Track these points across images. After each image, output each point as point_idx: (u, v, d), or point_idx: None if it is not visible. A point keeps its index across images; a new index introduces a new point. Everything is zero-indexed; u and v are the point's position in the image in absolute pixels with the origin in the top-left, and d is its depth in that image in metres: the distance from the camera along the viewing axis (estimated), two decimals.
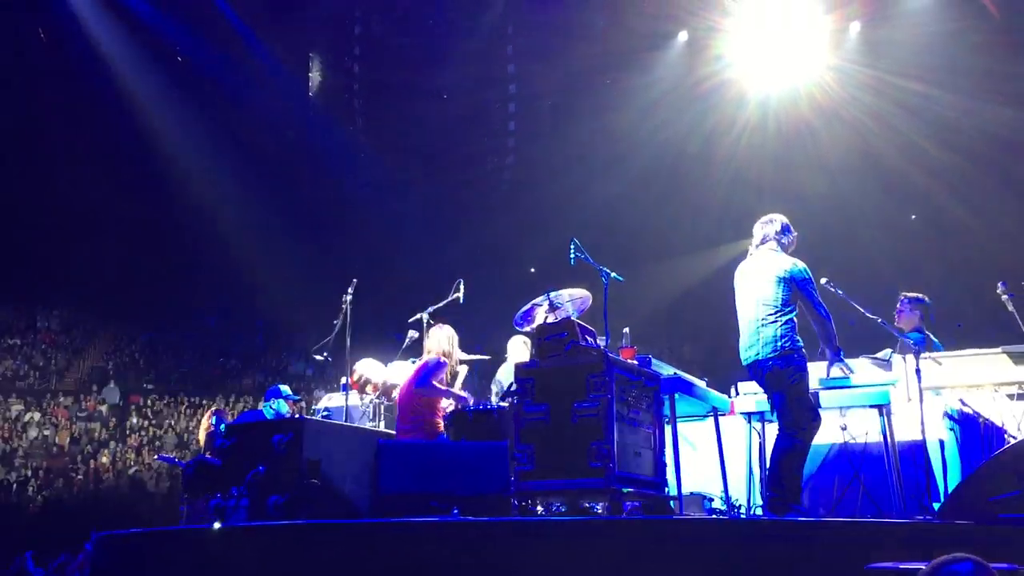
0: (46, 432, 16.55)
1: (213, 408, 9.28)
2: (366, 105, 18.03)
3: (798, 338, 6.03)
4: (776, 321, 5.96)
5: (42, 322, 18.69)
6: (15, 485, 15.13)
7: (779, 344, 5.93)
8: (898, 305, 7.88)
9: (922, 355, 6.79)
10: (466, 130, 18.26)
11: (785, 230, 6.30)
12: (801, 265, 6.09)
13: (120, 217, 16.09)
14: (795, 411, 5.92)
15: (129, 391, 17.98)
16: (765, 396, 6.19)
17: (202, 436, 8.46)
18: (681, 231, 16.34)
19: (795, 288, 5.99)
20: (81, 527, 10.43)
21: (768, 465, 6.02)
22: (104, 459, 16.23)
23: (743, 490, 6.80)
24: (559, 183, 17.31)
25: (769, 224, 6.29)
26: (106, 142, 15.88)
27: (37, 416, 16.80)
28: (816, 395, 6.29)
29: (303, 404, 10.26)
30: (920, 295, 7.88)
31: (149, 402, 17.88)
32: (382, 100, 17.93)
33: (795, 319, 6.02)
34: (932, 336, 7.64)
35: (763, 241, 6.26)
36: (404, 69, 17.28)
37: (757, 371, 6.03)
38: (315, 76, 17.75)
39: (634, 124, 16.45)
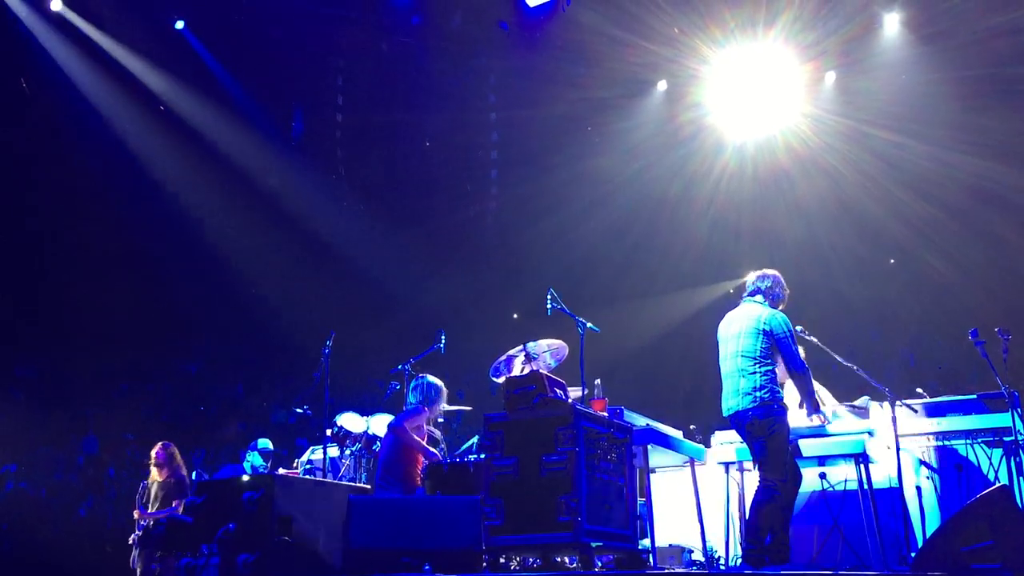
0: (22, 484, 16.32)
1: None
2: (348, 153, 18.15)
3: (778, 388, 6.08)
4: (755, 372, 6.01)
5: (20, 370, 18.53)
6: None
7: (758, 395, 5.97)
8: None
9: (898, 403, 6.84)
10: (448, 177, 18.39)
11: (776, 286, 6.39)
12: (780, 318, 6.16)
13: (100, 263, 16.04)
14: (774, 462, 5.93)
15: (108, 441, 17.78)
16: (744, 444, 6.21)
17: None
18: (661, 273, 16.42)
19: (773, 340, 6.05)
20: None
21: (747, 517, 6.02)
22: (81, 512, 16.00)
23: (722, 541, 6.78)
24: (541, 227, 17.42)
25: (762, 280, 6.39)
26: (86, 186, 15.88)
27: (12, 468, 16.58)
28: (796, 445, 6.31)
29: (279, 456, 10.20)
30: None
31: (128, 452, 17.68)
32: (364, 147, 18.06)
33: (775, 371, 6.08)
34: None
35: (751, 293, 6.35)
36: (386, 117, 17.43)
37: (738, 422, 6.08)
38: (296, 124, 17.88)
39: (615, 168, 16.62)
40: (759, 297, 6.36)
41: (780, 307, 6.41)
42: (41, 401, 17.60)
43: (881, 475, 6.68)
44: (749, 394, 6.01)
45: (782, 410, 6.02)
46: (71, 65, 14.42)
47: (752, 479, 6.33)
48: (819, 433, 6.41)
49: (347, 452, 8.11)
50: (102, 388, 17.88)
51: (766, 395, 5.99)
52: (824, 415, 6.46)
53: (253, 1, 14.92)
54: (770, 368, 6.05)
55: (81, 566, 13.26)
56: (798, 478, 6.18)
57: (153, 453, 9.05)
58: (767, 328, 6.09)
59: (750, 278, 6.48)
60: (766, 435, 5.95)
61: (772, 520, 5.79)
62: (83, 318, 16.39)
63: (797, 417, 6.43)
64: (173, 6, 14.89)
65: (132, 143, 15.47)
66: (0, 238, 15.03)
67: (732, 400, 6.10)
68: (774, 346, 6.09)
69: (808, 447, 6.34)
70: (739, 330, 6.19)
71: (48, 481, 16.58)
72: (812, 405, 6.31)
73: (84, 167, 15.54)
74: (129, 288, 16.38)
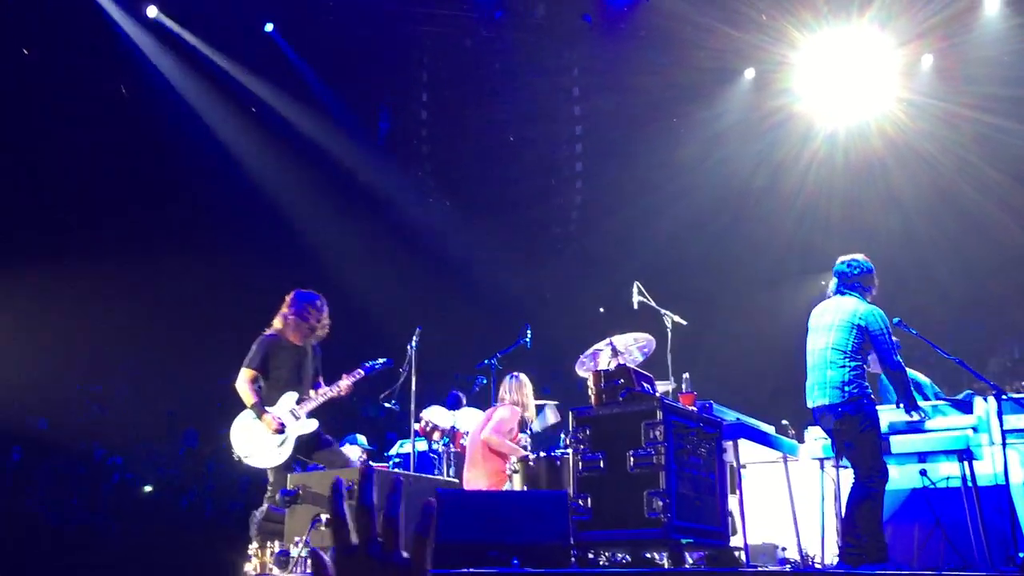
0: (128, 476, 16.95)
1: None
2: (433, 149, 18.30)
3: (866, 384, 5.91)
4: (845, 366, 5.87)
5: (124, 366, 19.23)
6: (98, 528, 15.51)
7: (847, 390, 5.83)
8: None
9: (1004, 396, 6.56)
10: (533, 170, 18.38)
11: (867, 274, 6.19)
12: (878, 313, 5.98)
13: (197, 260, 16.48)
14: (868, 459, 5.77)
15: (207, 436, 18.32)
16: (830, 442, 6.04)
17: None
18: (746, 266, 16.06)
19: (867, 336, 5.89)
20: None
21: (843, 514, 5.86)
22: (181, 504, 16.54)
23: (817, 539, 6.61)
24: (625, 219, 17.26)
25: (855, 269, 6.20)
26: (186, 187, 16.37)
27: (119, 461, 17.24)
28: (887, 441, 6.11)
29: (370, 451, 10.37)
30: None
31: (225, 446, 18.18)
32: (449, 143, 18.18)
33: (864, 367, 5.91)
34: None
35: (842, 283, 6.18)
36: (471, 112, 17.52)
37: (824, 417, 5.93)
38: (384, 122, 18.12)
39: (700, 157, 16.34)
40: (855, 291, 6.18)
41: (871, 296, 6.23)
42: (144, 395, 18.22)
43: (986, 472, 6.41)
44: (838, 388, 5.88)
45: (872, 404, 5.87)
46: (169, 69, 14.89)
47: (848, 475, 6.15)
48: (917, 428, 6.20)
49: (436, 447, 8.18)
50: (198, 383, 18.41)
51: (855, 390, 5.85)
52: (924, 411, 6.24)
53: (339, 2, 15.15)
54: (859, 363, 5.91)
55: (182, 557, 13.69)
56: (887, 470, 5.99)
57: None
58: (862, 323, 5.92)
59: (844, 267, 6.28)
60: (858, 431, 5.80)
61: (870, 518, 5.61)
62: (182, 315, 16.91)
63: (895, 413, 6.23)
64: (263, 9, 15.22)
65: (228, 145, 15.89)
66: (103, 234, 15.60)
67: (818, 392, 5.97)
68: (868, 342, 5.92)
69: (909, 443, 6.14)
70: (831, 322, 6.03)
71: (152, 474, 17.17)
72: (910, 402, 6.10)
73: (183, 171, 16.03)
74: (224, 283, 16.82)
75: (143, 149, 15.43)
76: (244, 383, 6.97)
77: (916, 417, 6.16)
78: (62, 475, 16.00)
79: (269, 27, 15.39)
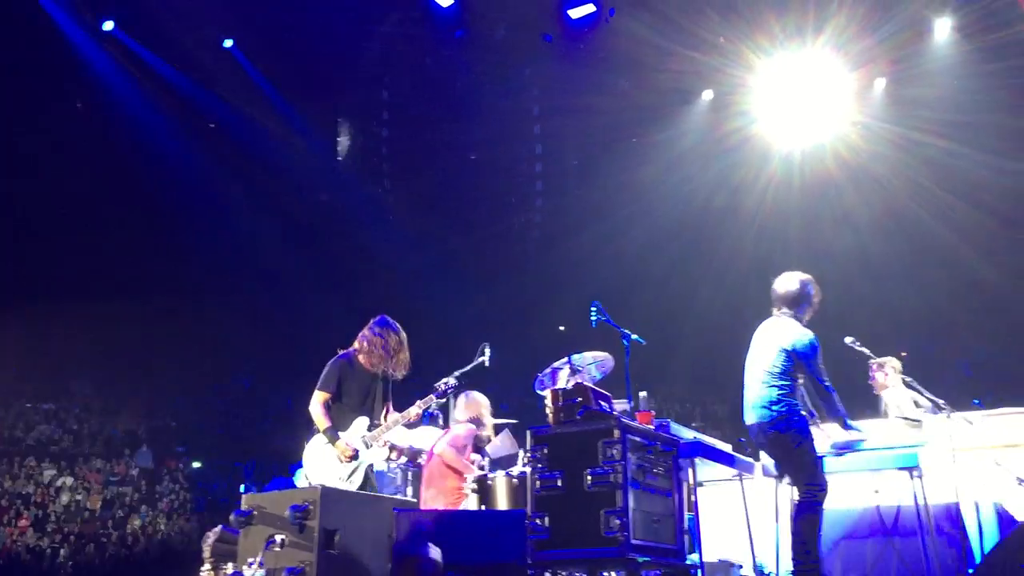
0: (78, 497, 16.62)
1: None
2: (394, 166, 18.30)
3: (796, 402, 5.98)
4: (773, 386, 5.95)
5: (76, 386, 18.90)
6: (47, 551, 15.17)
7: (775, 409, 5.92)
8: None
9: (953, 414, 6.67)
10: (493, 189, 18.46)
11: (804, 292, 6.24)
12: (808, 338, 6.05)
13: (152, 279, 16.31)
14: (805, 475, 5.84)
15: (162, 455, 18.05)
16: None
17: None
18: (706, 285, 16.24)
19: (797, 360, 5.97)
20: None
21: (792, 530, 5.90)
22: (135, 524, 16.24)
23: (772, 556, 6.64)
24: (585, 238, 17.37)
25: (790, 290, 6.25)
26: (141, 204, 16.18)
27: (69, 481, 16.90)
28: (838, 457, 6.17)
29: None
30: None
31: (181, 466, 17.93)
32: (409, 161, 18.18)
33: (795, 387, 5.99)
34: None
35: (779, 304, 6.24)
36: (431, 130, 17.55)
37: (757, 435, 6.00)
38: (344, 139, 18.08)
39: (659, 178, 16.52)
40: (786, 310, 6.26)
41: (811, 313, 6.30)
42: (96, 415, 17.92)
43: (938, 490, 6.50)
44: (766, 407, 5.96)
45: (802, 420, 5.95)
46: (123, 85, 14.72)
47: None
48: (856, 448, 6.25)
49: (394, 465, 8.11)
50: (155, 402, 18.17)
51: (783, 408, 5.93)
52: (858, 430, 6.32)
53: (300, 19, 15.10)
54: (789, 383, 5.98)
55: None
56: (825, 485, 6.06)
57: None
58: (790, 348, 6.01)
59: (779, 287, 6.36)
60: (791, 447, 5.87)
61: (809, 532, 5.68)
62: (135, 335, 16.68)
63: (837, 433, 6.29)
64: (222, 25, 15.11)
65: (183, 161, 15.73)
66: (54, 257, 15.37)
67: (750, 412, 6.05)
68: (799, 364, 6.01)
69: (860, 460, 6.19)
70: (766, 343, 6.12)
71: (103, 493, 16.86)
72: (844, 422, 6.18)
73: (137, 186, 15.85)
74: (182, 305, 16.65)
75: (100, 165, 15.26)
76: (318, 406, 6.65)
77: (855, 436, 6.23)
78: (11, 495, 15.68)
79: (228, 43, 15.29)
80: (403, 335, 6.84)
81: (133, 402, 18.60)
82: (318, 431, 6.56)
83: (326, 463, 6.46)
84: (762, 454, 7.02)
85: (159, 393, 18.61)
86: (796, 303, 6.20)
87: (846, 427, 6.14)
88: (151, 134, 15.26)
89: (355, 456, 6.46)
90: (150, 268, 16.48)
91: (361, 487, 6.44)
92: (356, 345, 6.78)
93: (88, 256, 16.05)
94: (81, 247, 15.98)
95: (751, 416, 6.01)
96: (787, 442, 5.83)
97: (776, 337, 6.08)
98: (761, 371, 6.02)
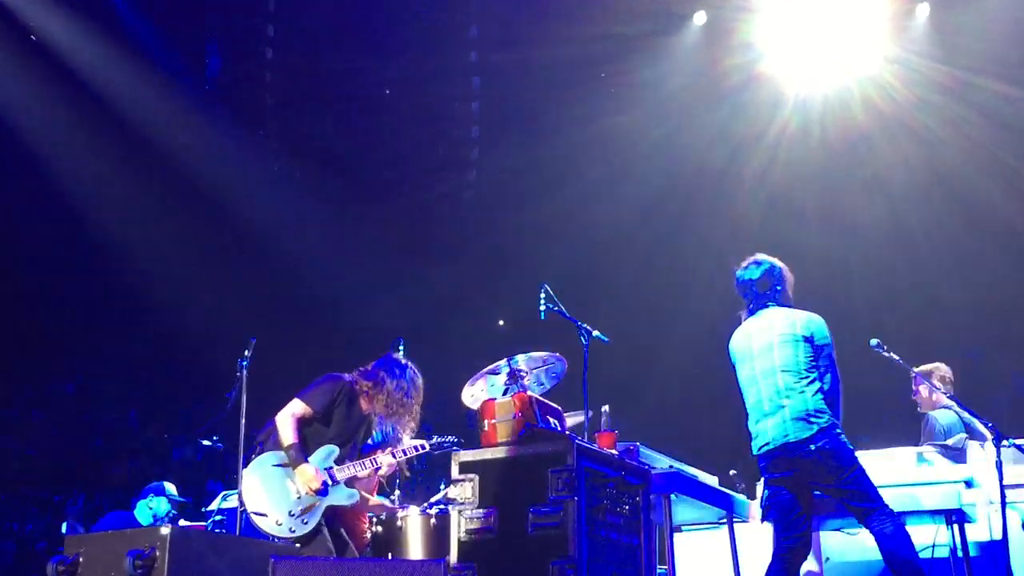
0: None
1: None
2: (281, 101, 18.04)
3: (830, 409, 6.13)
4: (804, 391, 6.05)
5: None
6: None
7: (815, 421, 6.00)
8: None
9: (1005, 442, 6.85)
10: (414, 138, 18.30)
11: (779, 273, 6.48)
12: (821, 320, 6.26)
13: None
14: (871, 493, 5.98)
15: None
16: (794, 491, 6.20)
17: None
18: (697, 269, 16.34)
19: (816, 350, 6.12)
20: None
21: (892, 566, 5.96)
22: None
23: None
24: (539, 208, 17.36)
25: (765, 273, 6.42)
26: None
27: None
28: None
29: (183, 504, 10.23)
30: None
31: None
32: (302, 95, 17.95)
33: (824, 388, 6.12)
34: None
35: (760, 294, 6.40)
36: (333, 55, 17.33)
37: (789, 459, 6.06)
38: (213, 60, 17.78)
39: (637, 132, 16.56)
40: (777, 300, 6.44)
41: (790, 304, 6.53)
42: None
43: (981, 530, 6.70)
44: (802, 419, 6.06)
45: (842, 433, 6.11)
46: None
47: (838, 538, 6.41)
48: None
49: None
50: None
51: (824, 420, 6.05)
52: None
53: None
54: (819, 384, 6.12)
55: None
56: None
57: None
58: (807, 335, 6.16)
59: (750, 275, 6.54)
60: (845, 468, 6.00)
61: (912, 554, 5.81)
62: None
63: None
64: None
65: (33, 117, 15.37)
66: None
67: (776, 431, 6.12)
68: (818, 355, 6.17)
69: (888, 500, 6.34)
70: (768, 341, 6.24)
71: None
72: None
73: None
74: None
75: None
76: (290, 417, 6.62)
77: None
78: None
79: None
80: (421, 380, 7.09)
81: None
82: (268, 450, 6.62)
83: (274, 488, 6.48)
84: (761, 492, 7.15)
85: None
86: (777, 286, 6.41)
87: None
88: None
89: (323, 491, 6.48)
90: None
91: (310, 536, 6.48)
92: (361, 385, 6.88)
93: None
94: None
95: (777, 434, 6.08)
96: (840, 459, 5.95)
97: (783, 329, 6.21)
98: (781, 375, 6.11)
